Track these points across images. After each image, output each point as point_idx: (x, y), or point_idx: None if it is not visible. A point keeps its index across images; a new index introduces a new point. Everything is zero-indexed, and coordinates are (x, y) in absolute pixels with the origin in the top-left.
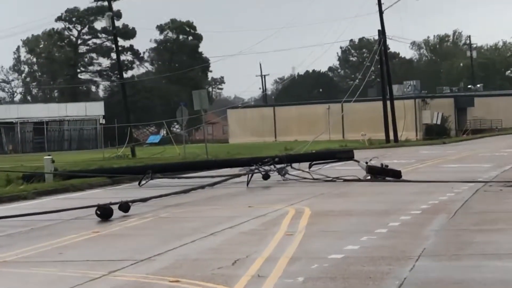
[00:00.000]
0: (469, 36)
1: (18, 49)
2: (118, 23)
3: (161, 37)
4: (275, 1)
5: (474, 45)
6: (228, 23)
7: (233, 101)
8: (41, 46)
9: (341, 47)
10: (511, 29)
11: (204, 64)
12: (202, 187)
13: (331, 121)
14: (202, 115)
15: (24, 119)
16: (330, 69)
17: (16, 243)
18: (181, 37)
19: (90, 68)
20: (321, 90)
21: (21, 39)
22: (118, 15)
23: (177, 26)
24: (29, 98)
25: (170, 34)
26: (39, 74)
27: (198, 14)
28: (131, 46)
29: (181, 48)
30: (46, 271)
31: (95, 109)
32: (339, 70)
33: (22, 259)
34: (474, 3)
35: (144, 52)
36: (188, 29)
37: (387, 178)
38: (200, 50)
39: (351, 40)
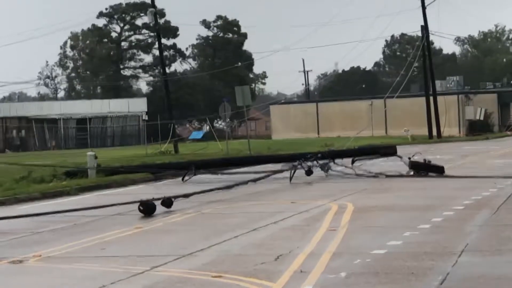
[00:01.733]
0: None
1: (65, 44)
2: (161, 21)
3: (205, 33)
4: None
5: None
6: (271, 19)
7: (276, 97)
8: (87, 42)
9: (386, 41)
10: None
11: (247, 60)
12: (245, 182)
13: (374, 117)
14: (244, 110)
15: (67, 115)
16: (376, 64)
17: (60, 239)
18: (225, 34)
19: (133, 64)
20: (364, 86)
21: (68, 35)
22: (161, 13)
23: (222, 24)
24: (72, 94)
25: (215, 30)
26: (82, 70)
27: (242, 9)
28: (174, 42)
29: (225, 45)
30: (89, 266)
31: (138, 105)
32: (384, 66)
33: (65, 254)
34: None
35: (187, 48)
36: (233, 28)
37: (430, 174)
38: (244, 47)
39: (392, 36)
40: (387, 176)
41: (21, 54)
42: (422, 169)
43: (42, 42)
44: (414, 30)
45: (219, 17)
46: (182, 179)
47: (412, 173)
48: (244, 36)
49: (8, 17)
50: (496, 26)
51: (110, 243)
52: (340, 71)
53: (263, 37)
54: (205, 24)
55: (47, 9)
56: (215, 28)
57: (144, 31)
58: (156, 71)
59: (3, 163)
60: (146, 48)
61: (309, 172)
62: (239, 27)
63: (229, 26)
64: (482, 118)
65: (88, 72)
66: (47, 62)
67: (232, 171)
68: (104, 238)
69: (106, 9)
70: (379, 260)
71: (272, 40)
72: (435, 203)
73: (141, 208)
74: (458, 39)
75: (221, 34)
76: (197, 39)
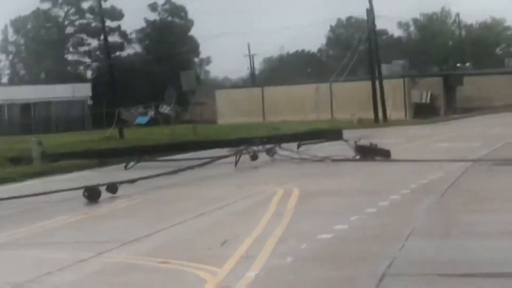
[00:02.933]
0: (458, 14)
1: (6, 29)
2: (106, 4)
3: (152, 16)
4: None
5: (463, 23)
6: (217, 3)
7: (221, 82)
8: (28, 26)
9: (331, 26)
10: (499, 5)
11: (193, 45)
12: (191, 167)
13: (320, 101)
14: (190, 96)
15: (11, 100)
16: (321, 47)
17: (5, 226)
18: (171, 18)
19: (78, 49)
20: (309, 69)
21: (9, 19)
22: None
23: (169, 8)
24: (15, 80)
25: (162, 14)
26: (26, 55)
27: None
28: (119, 26)
29: (171, 30)
30: (35, 253)
31: (83, 91)
32: (328, 51)
33: (11, 241)
34: None
35: (131, 33)
36: (180, 13)
37: (376, 158)
38: (190, 33)
39: (338, 19)
40: (333, 160)
41: None
42: (368, 153)
43: None
44: (360, 13)
45: (167, 1)
46: (125, 167)
47: (358, 157)
48: (191, 22)
49: None
50: (442, 9)
51: (56, 230)
52: (286, 54)
53: (210, 22)
54: (152, 7)
55: None
56: (162, 12)
57: (89, 15)
58: (102, 56)
59: None
60: (91, 32)
61: (254, 157)
62: (186, 12)
63: (176, 10)
64: (428, 101)
65: (32, 57)
66: None
67: (178, 157)
68: (50, 224)
69: None
70: (326, 245)
71: (219, 25)
72: (381, 187)
73: (86, 194)
74: (400, 24)
75: (169, 19)
76: (143, 19)
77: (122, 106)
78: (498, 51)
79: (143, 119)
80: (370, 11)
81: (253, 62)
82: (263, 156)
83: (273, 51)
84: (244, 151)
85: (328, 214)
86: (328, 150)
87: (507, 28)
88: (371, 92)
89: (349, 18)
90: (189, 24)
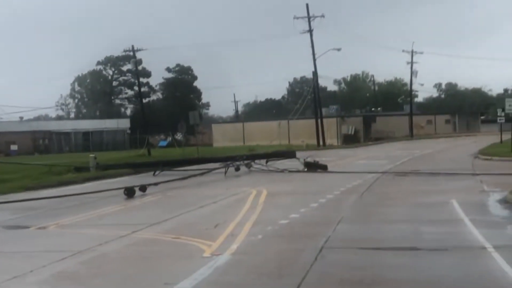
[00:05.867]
0: (373, 75)
1: (73, 83)
2: (139, 67)
3: (169, 75)
4: (252, 45)
5: (376, 81)
6: (213, 66)
7: (216, 119)
8: (88, 81)
9: (289, 82)
10: (401, 69)
11: (197, 93)
12: (195, 175)
13: (281, 132)
14: (195, 127)
15: (76, 129)
16: (282, 98)
17: (71, 213)
18: (181, 76)
19: (120, 96)
20: (274, 111)
21: (74, 76)
22: (140, 62)
23: (180, 69)
24: (79, 115)
25: (175, 74)
26: (86, 99)
27: (195, 58)
28: (148, 82)
29: (182, 83)
30: (90, 231)
31: (124, 123)
32: (287, 99)
33: (75, 223)
34: (377, 52)
35: (156, 86)
36: (188, 71)
37: (318, 170)
38: (194, 84)
39: (295, 78)
40: (289, 171)
41: (43, 89)
42: (313, 167)
43: (58, 80)
44: (309, 73)
45: (177, 65)
46: (153, 174)
47: (306, 169)
48: (195, 77)
49: (28, 62)
50: (363, 72)
51: (105, 216)
52: (258, 101)
53: (208, 78)
54: (169, 69)
55: (57, 57)
56: (175, 72)
57: (128, 74)
58: (136, 101)
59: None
60: (129, 85)
61: (237, 169)
62: (192, 71)
63: (185, 70)
64: (352, 133)
65: (90, 101)
66: (61, 95)
67: (186, 168)
68: (101, 212)
69: (101, 59)
70: (284, 227)
71: (214, 80)
72: (321, 190)
73: (125, 192)
74: (335, 81)
75: (179, 76)
76: (162, 77)
77: (150, 134)
78: (399, 100)
79: (163, 142)
80: (315, 73)
81: (237, 106)
82: (243, 168)
83: (251, 98)
84: (231, 165)
85: (286, 207)
86: (286, 164)
87: (405, 84)
88: (315, 126)
89: (302, 77)
90: (194, 79)
